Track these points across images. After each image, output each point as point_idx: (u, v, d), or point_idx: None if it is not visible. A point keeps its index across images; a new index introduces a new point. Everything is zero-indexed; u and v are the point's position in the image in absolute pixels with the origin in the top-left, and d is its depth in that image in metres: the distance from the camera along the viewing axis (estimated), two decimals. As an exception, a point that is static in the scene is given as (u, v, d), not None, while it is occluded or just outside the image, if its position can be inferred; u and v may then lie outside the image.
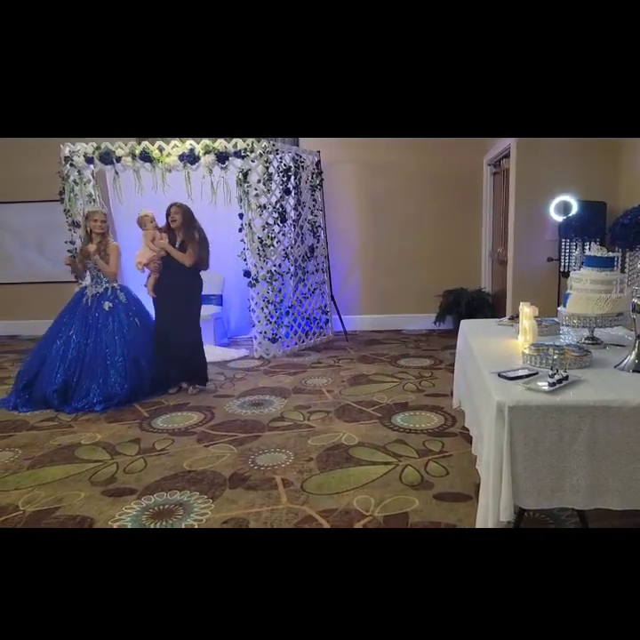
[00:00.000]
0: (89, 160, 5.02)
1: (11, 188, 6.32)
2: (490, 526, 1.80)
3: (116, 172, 5.08)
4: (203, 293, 4.38)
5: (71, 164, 5.01)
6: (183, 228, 4.09)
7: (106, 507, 2.56)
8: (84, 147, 5.01)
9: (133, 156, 4.95)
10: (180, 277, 4.11)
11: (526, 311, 2.41)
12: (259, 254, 5.06)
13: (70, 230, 5.16)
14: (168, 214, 4.12)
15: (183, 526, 2.38)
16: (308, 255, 5.68)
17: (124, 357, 4.03)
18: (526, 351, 2.17)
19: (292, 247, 5.43)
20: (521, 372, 2.01)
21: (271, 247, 5.11)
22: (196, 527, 2.37)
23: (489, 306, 5.94)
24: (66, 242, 5.22)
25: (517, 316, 2.65)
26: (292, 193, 5.39)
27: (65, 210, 5.14)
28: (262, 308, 5.18)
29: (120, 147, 4.97)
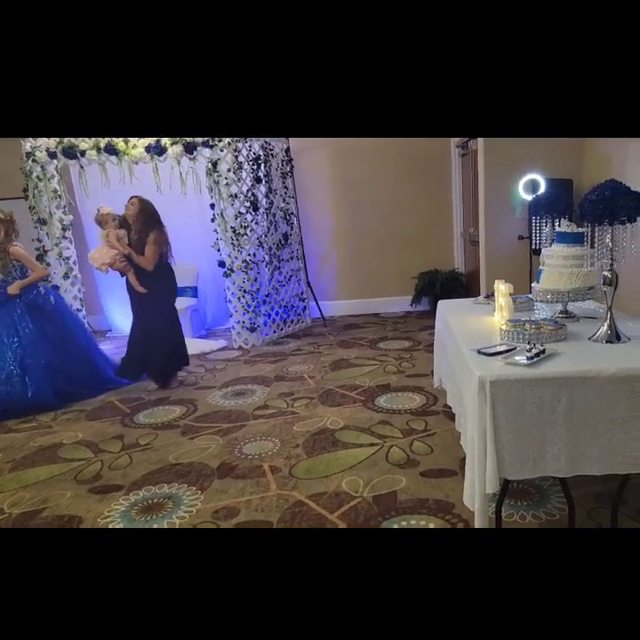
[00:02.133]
0: (52, 155, 4.88)
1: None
2: (477, 499, 1.85)
3: (81, 167, 4.95)
4: (178, 286, 4.32)
5: (33, 160, 4.87)
6: (139, 221, 3.97)
7: (93, 504, 2.55)
8: (46, 141, 4.87)
9: (98, 149, 4.82)
10: (147, 276, 4.04)
11: (502, 289, 2.46)
12: (232, 244, 5.02)
13: (36, 228, 5.03)
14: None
15: (174, 518, 2.39)
16: (283, 243, 5.67)
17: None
18: (504, 327, 2.23)
19: (265, 235, 5.40)
20: (500, 348, 2.06)
21: (245, 236, 5.07)
22: (187, 518, 2.38)
23: (463, 286, 6.03)
24: (33, 240, 5.10)
25: (493, 295, 2.71)
26: (263, 181, 5.35)
27: (30, 207, 5.00)
28: (239, 298, 5.15)
29: (84, 140, 4.84)
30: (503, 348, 2.07)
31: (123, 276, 4.18)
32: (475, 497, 1.86)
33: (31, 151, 4.87)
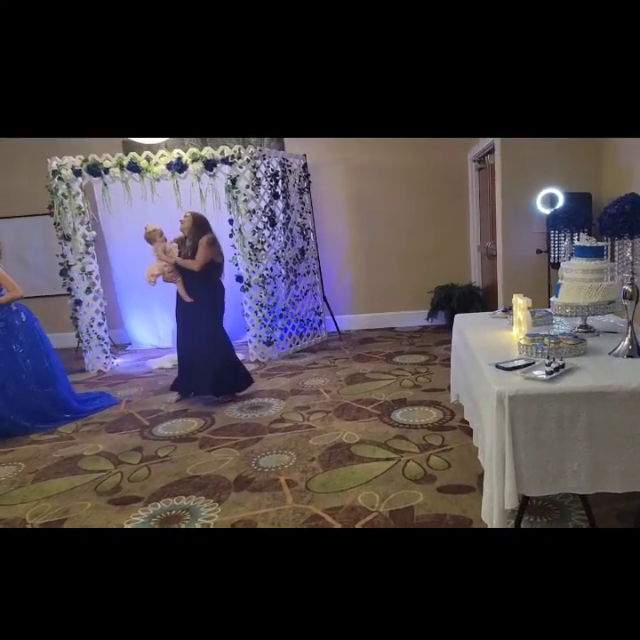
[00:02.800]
0: (77, 173, 5.01)
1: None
2: (495, 515, 1.84)
3: (105, 184, 5.08)
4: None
5: (59, 178, 5.00)
6: (192, 232, 4.08)
7: (113, 516, 2.57)
8: (72, 160, 5.01)
9: (121, 166, 4.95)
10: (192, 286, 4.09)
11: (520, 303, 2.45)
12: (250, 259, 5.08)
13: (60, 243, 5.15)
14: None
15: (192, 531, 2.40)
16: (299, 257, 5.72)
17: None
18: (522, 342, 2.22)
19: (282, 250, 5.46)
20: (518, 363, 2.05)
21: (262, 251, 5.14)
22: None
23: (480, 300, 6.00)
24: (57, 255, 5.22)
25: (511, 309, 2.70)
26: (281, 197, 5.42)
27: (55, 223, 5.13)
28: (256, 312, 5.20)
29: (108, 158, 4.97)
30: (522, 362, 2.06)
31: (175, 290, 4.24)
32: (493, 513, 1.84)
33: (57, 169, 5.00)
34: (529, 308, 2.48)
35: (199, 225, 4.10)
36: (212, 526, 2.42)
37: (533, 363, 2.03)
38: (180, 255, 4.15)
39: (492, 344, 2.44)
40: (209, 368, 4.09)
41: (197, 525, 2.43)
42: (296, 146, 5.95)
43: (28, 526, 2.54)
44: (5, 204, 6.21)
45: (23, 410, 3.81)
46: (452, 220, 6.33)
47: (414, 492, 2.58)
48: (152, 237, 4.23)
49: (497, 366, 2.03)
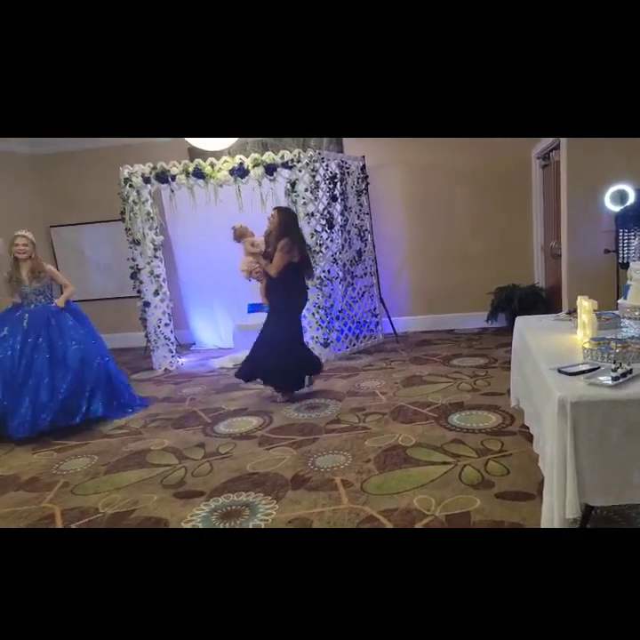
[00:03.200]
0: (146, 180, 5.28)
1: (74, 210, 6.70)
2: (556, 524, 1.79)
3: (172, 190, 5.32)
4: (254, 302, 4.44)
5: (130, 185, 5.29)
6: (276, 231, 4.02)
7: (177, 509, 2.71)
8: (142, 168, 5.29)
9: (187, 173, 5.17)
10: (271, 286, 4.16)
11: (585, 305, 2.37)
12: (308, 261, 5.16)
13: (131, 248, 5.44)
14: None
15: (251, 526, 2.48)
16: (356, 259, 5.74)
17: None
18: (587, 346, 2.15)
19: (340, 252, 5.51)
20: (582, 367, 1.99)
21: (320, 253, 5.20)
22: (263, 527, 2.46)
23: (543, 301, 5.79)
24: (128, 259, 5.52)
25: (575, 311, 2.61)
26: (339, 199, 5.47)
27: (126, 228, 5.42)
28: (313, 314, 5.27)
29: (174, 165, 5.22)
30: (586, 367, 1.99)
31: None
32: (554, 521, 1.80)
33: (128, 177, 5.29)
34: (595, 311, 2.39)
35: (284, 223, 3.98)
36: (270, 522, 2.49)
37: (598, 368, 1.96)
38: (265, 252, 4.14)
39: (555, 348, 2.37)
40: (278, 365, 4.12)
41: (257, 520, 2.52)
42: (355, 147, 5.98)
43: (101, 514, 2.72)
44: (84, 212, 6.63)
45: (103, 391, 4.07)
46: (514, 219, 6.15)
47: (471, 497, 2.54)
48: (242, 233, 4.34)
49: (559, 371, 1.97)
